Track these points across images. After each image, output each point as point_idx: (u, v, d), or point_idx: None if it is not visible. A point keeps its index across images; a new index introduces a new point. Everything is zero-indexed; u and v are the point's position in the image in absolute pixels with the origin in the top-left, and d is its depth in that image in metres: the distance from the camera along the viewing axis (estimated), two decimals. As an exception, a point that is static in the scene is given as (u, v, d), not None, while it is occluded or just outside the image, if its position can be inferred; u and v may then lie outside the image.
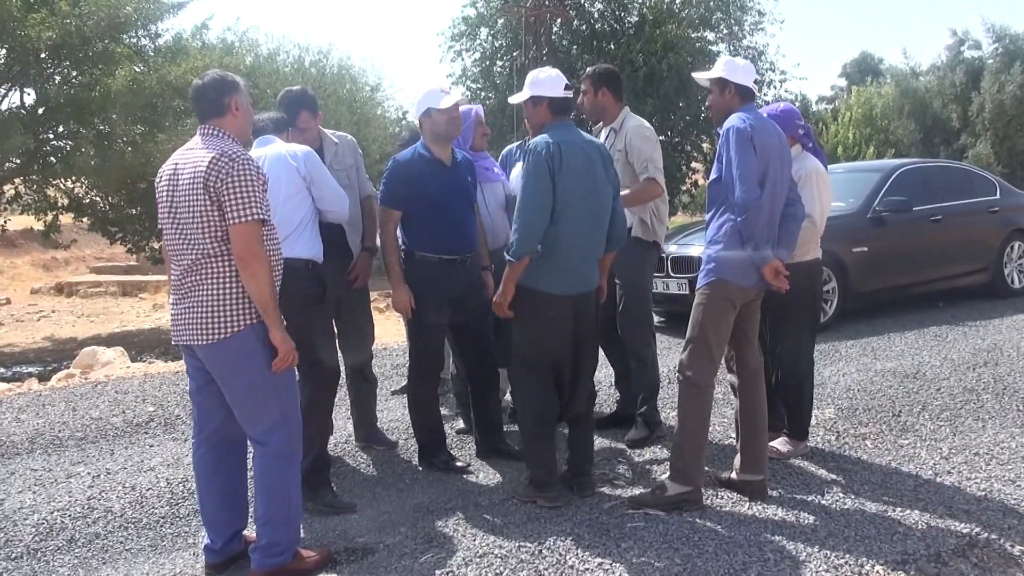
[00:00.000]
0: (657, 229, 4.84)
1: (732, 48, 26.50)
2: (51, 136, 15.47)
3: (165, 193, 3.30)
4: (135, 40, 16.02)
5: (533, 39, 24.36)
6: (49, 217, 16.35)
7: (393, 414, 5.55)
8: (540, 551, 3.43)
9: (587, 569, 3.27)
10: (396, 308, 4.44)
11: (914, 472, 4.18)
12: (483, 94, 25.27)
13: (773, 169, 3.78)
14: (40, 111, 14.85)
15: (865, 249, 7.89)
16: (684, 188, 27.10)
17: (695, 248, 7.31)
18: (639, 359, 4.88)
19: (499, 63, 26.43)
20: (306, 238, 4.03)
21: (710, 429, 4.00)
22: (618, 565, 3.28)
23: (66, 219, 17.14)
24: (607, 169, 3.98)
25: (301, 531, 3.68)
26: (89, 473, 4.81)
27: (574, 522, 3.71)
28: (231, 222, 3.15)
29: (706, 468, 4.05)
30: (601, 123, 4.98)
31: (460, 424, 5.16)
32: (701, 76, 4.05)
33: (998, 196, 9.23)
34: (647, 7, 26.35)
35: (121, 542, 3.94)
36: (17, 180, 15.60)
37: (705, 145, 26.38)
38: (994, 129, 25.18)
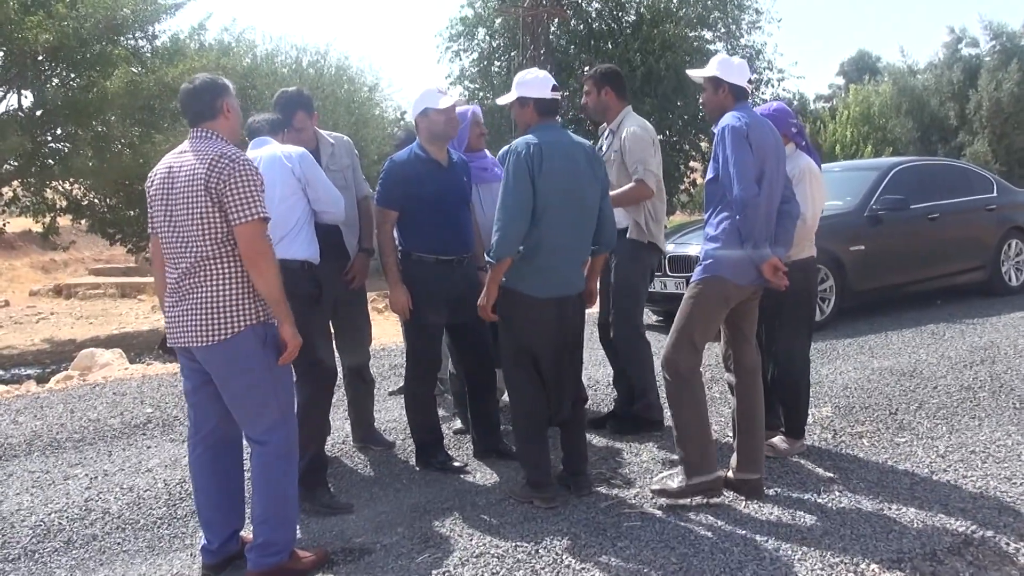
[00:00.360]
0: (653, 230, 4.85)
1: (729, 47, 26.55)
2: (49, 138, 15.47)
3: (159, 196, 3.30)
4: (132, 42, 16.04)
5: (531, 39, 24.39)
6: (47, 219, 16.35)
7: (391, 414, 5.55)
8: (537, 551, 3.43)
9: (583, 568, 3.27)
10: (394, 309, 4.45)
11: (910, 470, 4.18)
12: (481, 94, 25.31)
13: (769, 167, 3.79)
14: (38, 113, 14.86)
15: (862, 247, 7.89)
16: (682, 187, 27.13)
17: (693, 247, 7.31)
18: (627, 358, 4.92)
19: (497, 63, 26.47)
20: (302, 239, 4.04)
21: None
22: (614, 564, 3.29)
23: (64, 221, 17.15)
24: (593, 170, 3.95)
25: (298, 531, 3.70)
26: (87, 475, 4.81)
27: (571, 522, 3.71)
28: (236, 222, 3.16)
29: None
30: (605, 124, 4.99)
31: (457, 424, 5.17)
32: (696, 73, 4.06)
33: (995, 194, 9.22)
34: (644, 6, 26.40)
35: (118, 543, 3.94)
36: (15, 182, 15.61)
37: (703, 144, 26.42)
38: (991, 127, 25.21)
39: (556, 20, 25.72)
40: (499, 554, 3.42)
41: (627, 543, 3.46)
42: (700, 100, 4.07)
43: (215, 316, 3.21)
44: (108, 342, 11.01)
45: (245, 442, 3.48)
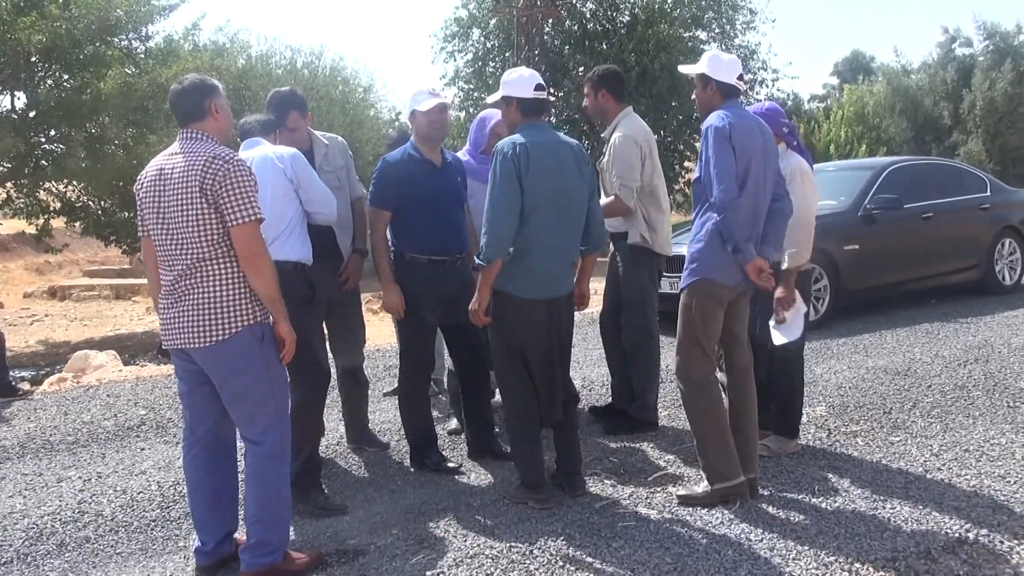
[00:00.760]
0: (648, 236, 4.82)
1: (724, 47, 26.57)
2: (42, 139, 15.41)
3: (150, 198, 3.29)
4: (126, 43, 15.99)
5: (525, 39, 24.37)
6: (41, 221, 16.30)
7: (385, 415, 5.54)
8: (531, 551, 3.43)
9: (578, 569, 3.27)
10: (387, 309, 4.44)
11: (904, 469, 4.19)
12: (476, 94, 25.29)
13: (756, 166, 3.76)
14: (31, 114, 14.80)
15: (856, 247, 7.90)
16: (677, 188, 27.13)
17: (685, 247, 7.30)
18: (632, 358, 4.95)
19: (491, 64, 26.46)
20: (294, 240, 4.03)
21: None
22: (609, 564, 3.29)
23: (59, 223, 17.09)
24: (581, 170, 3.92)
25: (292, 532, 3.69)
26: (80, 477, 4.80)
27: (565, 522, 3.71)
28: (232, 223, 3.16)
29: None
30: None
31: (451, 425, 5.16)
32: (686, 69, 4.05)
33: (989, 193, 9.24)
34: (639, 7, 26.40)
35: (112, 546, 3.93)
36: (8, 184, 15.55)
37: (698, 144, 26.42)
38: (985, 126, 25.25)
39: (551, 21, 25.70)
40: (493, 555, 3.42)
41: (622, 543, 3.46)
42: (692, 96, 4.04)
43: (213, 317, 3.20)
44: (102, 344, 10.97)
45: (239, 443, 3.47)
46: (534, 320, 3.88)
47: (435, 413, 5.01)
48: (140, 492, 4.46)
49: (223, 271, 3.22)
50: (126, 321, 17.21)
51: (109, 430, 5.77)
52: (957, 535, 3.42)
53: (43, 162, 15.07)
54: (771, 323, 4.22)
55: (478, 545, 3.53)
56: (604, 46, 25.61)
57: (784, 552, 3.32)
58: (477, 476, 4.45)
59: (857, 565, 3.19)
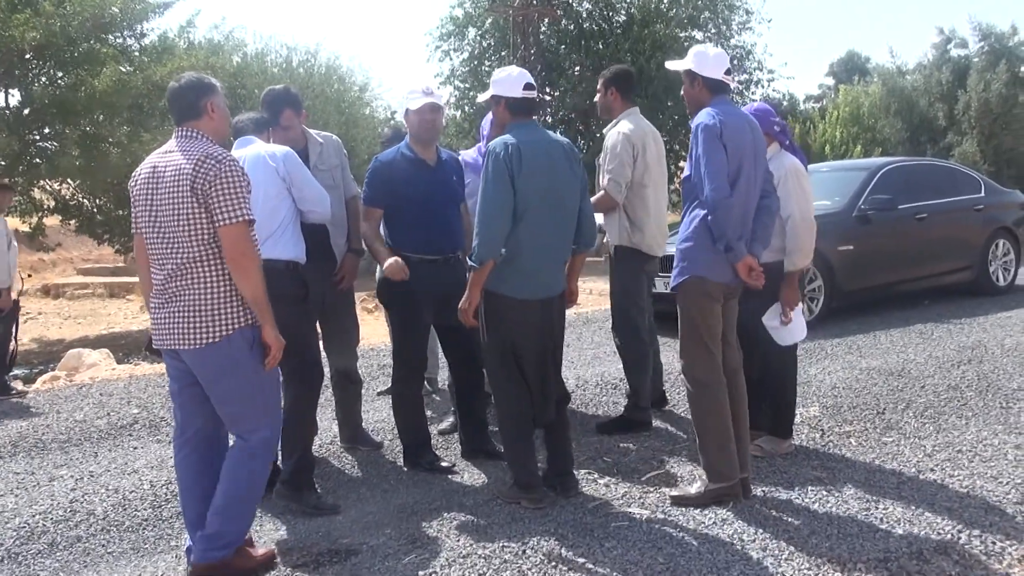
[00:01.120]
0: (632, 236, 4.84)
1: (719, 47, 26.54)
2: (36, 137, 15.37)
3: (143, 196, 3.28)
4: (121, 40, 15.95)
5: (521, 39, 24.35)
6: (35, 219, 16.26)
7: (379, 415, 5.53)
8: (524, 551, 3.42)
9: (570, 569, 3.26)
10: (391, 276, 4.29)
11: (897, 470, 4.19)
12: (471, 94, 25.26)
13: (747, 164, 3.76)
14: (25, 112, 14.76)
15: (851, 247, 7.91)
16: (672, 187, 27.14)
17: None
18: (623, 359, 4.99)
19: (487, 63, 26.41)
20: (287, 239, 4.02)
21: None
22: (602, 565, 3.28)
23: (53, 221, 17.05)
24: (572, 169, 3.92)
25: (284, 532, 3.68)
26: (72, 476, 4.78)
27: (558, 522, 3.70)
28: (221, 223, 3.14)
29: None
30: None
31: (443, 425, 5.15)
32: (673, 65, 4.03)
33: (983, 194, 9.26)
34: (635, 7, 26.40)
35: (103, 545, 3.92)
36: (2, 181, 15.50)
37: (696, 144, 26.39)
38: (980, 127, 25.31)
39: (547, 20, 25.68)
40: (486, 555, 3.41)
41: (614, 544, 3.45)
42: (681, 92, 4.00)
43: (203, 319, 3.19)
44: (97, 342, 10.95)
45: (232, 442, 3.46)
46: (528, 320, 3.87)
47: (428, 413, 5.00)
48: (132, 491, 4.45)
49: (214, 272, 3.20)
50: (120, 319, 17.18)
51: (102, 429, 5.75)
52: (949, 536, 3.42)
53: (37, 160, 15.03)
54: (773, 324, 4.21)
55: (471, 545, 3.53)
56: (600, 46, 25.62)
57: (777, 552, 3.32)
58: (470, 476, 4.45)
59: (849, 566, 3.19)
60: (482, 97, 4.17)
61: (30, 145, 15.13)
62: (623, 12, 26.81)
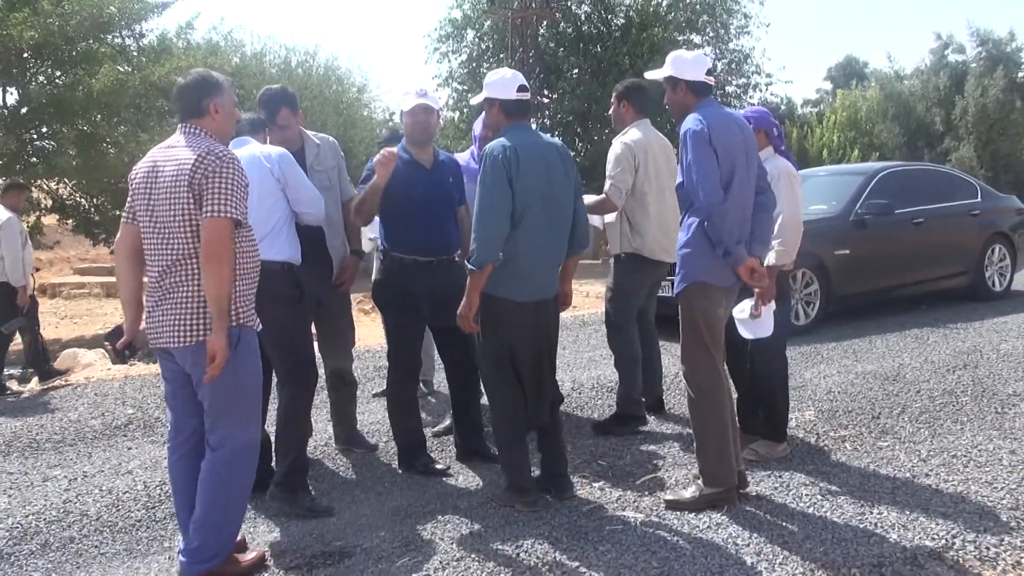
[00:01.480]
0: (633, 241, 4.96)
1: (718, 51, 26.62)
2: (34, 136, 15.38)
3: (142, 190, 3.27)
4: (119, 40, 15.96)
5: (519, 41, 24.37)
6: (32, 218, 16.24)
7: (374, 416, 5.52)
8: (518, 554, 3.42)
9: (564, 572, 3.26)
10: (387, 162, 4.21)
11: (892, 474, 4.19)
12: (469, 96, 25.26)
13: (740, 165, 3.74)
14: (22, 111, 14.76)
15: (847, 252, 7.91)
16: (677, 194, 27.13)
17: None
18: (615, 358, 5.10)
19: (485, 65, 26.40)
20: (282, 240, 4.02)
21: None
22: (596, 568, 3.28)
23: (50, 220, 17.03)
24: (567, 171, 3.93)
25: (277, 534, 3.67)
26: (66, 476, 4.77)
27: (552, 526, 3.70)
28: (206, 215, 3.11)
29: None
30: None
31: (438, 427, 5.14)
32: (652, 75, 4.02)
33: (979, 199, 9.28)
34: (633, 10, 26.44)
35: (96, 546, 3.90)
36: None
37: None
38: (977, 133, 25.39)
39: (545, 23, 25.71)
40: (480, 558, 3.41)
41: (608, 547, 3.45)
42: (664, 100, 3.98)
43: (195, 316, 3.18)
44: (92, 342, 10.91)
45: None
46: (524, 323, 3.87)
47: (424, 415, 4.99)
48: (126, 492, 4.43)
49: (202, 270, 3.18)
50: (117, 319, 17.12)
51: (96, 429, 5.74)
52: (944, 541, 3.41)
53: (34, 159, 15.03)
54: (741, 317, 4.18)
55: (465, 548, 3.52)
56: (599, 49, 25.64)
57: (771, 557, 3.32)
58: (465, 478, 4.44)
59: (843, 570, 3.19)
60: (476, 99, 4.16)
61: (27, 144, 15.13)
62: (622, 15, 26.84)
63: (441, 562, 3.40)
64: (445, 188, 4.44)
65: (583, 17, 26.97)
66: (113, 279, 22.10)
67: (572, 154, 4.10)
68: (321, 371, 4.62)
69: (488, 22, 26.02)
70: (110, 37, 15.44)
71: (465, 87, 26.50)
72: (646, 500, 3.97)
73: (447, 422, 5.09)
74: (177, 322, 3.19)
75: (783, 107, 32.03)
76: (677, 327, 3.93)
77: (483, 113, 4.92)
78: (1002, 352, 6.53)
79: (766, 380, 4.41)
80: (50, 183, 15.87)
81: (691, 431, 3.96)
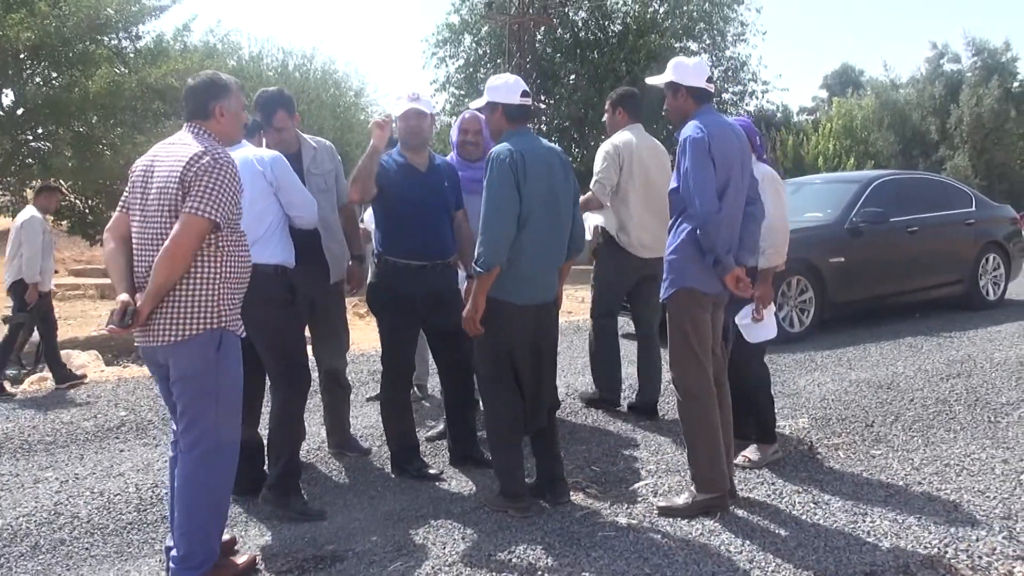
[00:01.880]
0: (621, 238, 5.18)
1: (714, 58, 26.69)
2: (29, 137, 15.36)
3: (139, 183, 3.26)
4: (116, 42, 15.96)
5: (517, 47, 24.40)
6: (26, 219, 16.21)
7: (367, 420, 5.51)
8: (510, 560, 3.41)
9: (556, 578, 3.25)
10: (382, 127, 4.25)
11: (885, 483, 4.19)
12: (466, 101, 25.29)
13: (735, 175, 3.77)
14: (18, 112, 14.75)
15: (842, 259, 7.93)
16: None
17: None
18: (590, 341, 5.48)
19: (482, 70, 26.48)
20: (275, 243, 4.01)
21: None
22: (588, 574, 3.27)
23: (45, 221, 16.99)
24: (567, 175, 3.96)
25: (268, 537, 3.65)
26: (57, 478, 4.75)
27: (545, 531, 3.69)
28: (185, 210, 3.10)
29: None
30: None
31: (432, 431, 5.13)
32: (653, 80, 4.04)
33: (974, 208, 9.31)
34: (631, 17, 26.51)
35: (86, 548, 3.88)
36: (-6, 181, 15.49)
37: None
38: (972, 142, 25.50)
39: (542, 28, 25.77)
40: (472, 563, 3.40)
41: (601, 553, 3.44)
42: (664, 106, 4.01)
43: (178, 314, 3.15)
44: (86, 344, 10.87)
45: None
46: (525, 326, 3.87)
47: (417, 420, 4.98)
48: (117, 494, 4.41)
49: (192, 267, 3.17)
50: (111, 321, 17.07)
51: (88, 431, 5.71)
52: (936, 550, 3.41)
53: (30, 160, 15.00)
54: (743, 322, 4.22)
55: (457, 553, 3.51)
56: (595, 55, 25.70)
57: (763, 564, 3.31)
58: (458, 483, 4.43)
59: (836, 578, 3.19)
60: (476, 103, 4.16)
61: (23, 145, 15.12)
62: (619, 22, 26.91)
63: (433, 567, 3.39)
64: (440, 192, 4.43)
65: (580, 23, 27.04)
66: (107, 281, 22.05)
67: (568, 159, 4.12)
68: (315, 374, 4.61)
69: (485, 27, 26.08)
70: (107, 39, 15.44)
71: (462, 92, 26.56)
72: (639, 506, 3.96)
73: (441, 426, 5.07)
74: (159, 320, 3.16)
75: (779, 115, 32.14)
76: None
77: (459, 118, 4.96)
78: (996, 361, 6.54)
79: (746, 381, 4.40)
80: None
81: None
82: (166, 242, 3.11)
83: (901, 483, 4.18)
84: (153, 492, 4.39)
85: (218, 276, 3.21)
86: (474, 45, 27.06)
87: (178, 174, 3.13)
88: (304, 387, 4.23)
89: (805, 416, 5.30)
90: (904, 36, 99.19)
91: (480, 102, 4.06)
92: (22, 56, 14.05)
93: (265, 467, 4.23)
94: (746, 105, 27.33)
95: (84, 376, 7.79)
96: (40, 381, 7.94)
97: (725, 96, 27.07)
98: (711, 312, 3.88)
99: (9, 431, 5.71)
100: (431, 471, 4.53)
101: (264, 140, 4.46)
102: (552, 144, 4.04)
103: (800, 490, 4.10)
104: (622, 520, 3.80)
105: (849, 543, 3.49)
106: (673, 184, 3.83)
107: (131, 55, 15.94)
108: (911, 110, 27.62)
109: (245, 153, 4.05)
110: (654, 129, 26.52)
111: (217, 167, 3.14)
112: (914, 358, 6.84)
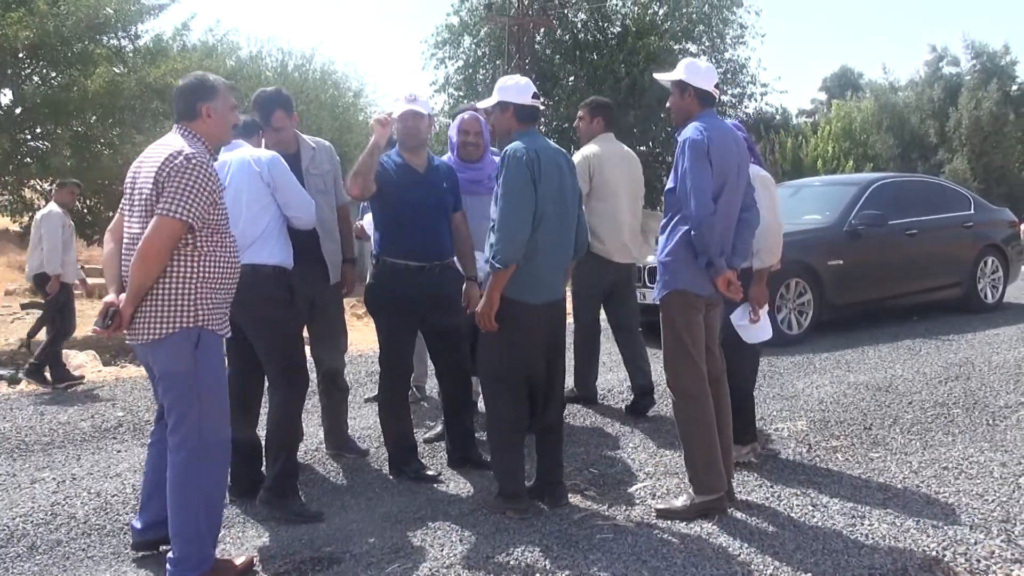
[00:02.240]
0: (594, 244, 5.18)
1: (713, 60, 26.74)
2: (28, 137, 15.35)
3: (131, 184, 3.30)
4: (115, 41, 15.96)
5: (516, 48, 24.43)
6: (26, 219, 16.21)
7: (365, 421, 5.50)
8: (508, 562, 3.40)
9: (554, 581, 3.25)
10: (382, 123, 4.24)
11: (884, 485, 4.18)
12: (465, 102, 25.32)
13: (731, 179, 3.78)
14: (17, 111, 14.74)
15: (841, 262, 7.94)
16: (663, 199, 27.22)
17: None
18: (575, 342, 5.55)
19: (482, 71, 26.52)
20: (272, 244, 4.00)
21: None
22: (585, 577, 3.27)
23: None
24: (572, 178, 3.99)
25: (267, 539, 3.64)
26: (54, 478, 4.74)
27: (543, 533, 3.68)
28: (158, 211, 3.10)
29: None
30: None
31: (430, 433, 5.13)
32: (662, 77, 4.05)
33: (972, 211, 9.32)
34: (630, 19, 26.55)
35: (83, 549, 3.87)
36: (-7, 180, 15.48)
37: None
38: (971, 145, 25.53)
39: (542, 30, 25.79)
40: (470, 565, 3.39)
41: (599, 555, 3.44)
42: (668, 103, 4.02)
43: (158, 312, 3.16)
44: (83, 344, 10.86)
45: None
46: (536, 326, 3.88)
47: (415, 421, 4.97)
48: (114, 495, 4.40)
49: (171, 267, 3.17)
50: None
51: (85, 431, 5.70)
52: (934, 553, 3.41)
53: (28, 159, 15.00)
54: (741, 323, 4.23)
55: (455, 555, 3.51)
56: (595, 56, 25.74)
57: (762, 567, 3.31)
58: (456, 485, 4.42)
59: (834, 581, 3.19)
60: (485, 103, 4.17)
61: (21, 144, 15.11)
62: (618, 24, 26.95)
63: (431, 569, 3.38)
64: (439, 193, 4.42)
65: (580, 25, 27.08)
66: (103, 281, 22.06)
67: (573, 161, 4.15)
68: (312, 375, 4.61)
69: (485, 29, 26.11)
70: (106, 38, 15.45)
71: (461, 93, 26.57)
72: (637, 508, 3.96)
73: (439, 428, 5.06)
74: (140, 318, 3.17)
75: (778, 117, 32.16)
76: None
77: (458, 119, 4.93)
78: (994, 364, 6.54)
79: (732, 382, 4.39)
80: (44, 184, 15.84)
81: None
82: (139, 243, 3.13)
83: (899, 486, 4.18)
84: (150, 493, 4.38)
85: (195, 276, 3.20)
86: (474, 46, 27.10)
87: (153, 174, 3.14)
88: (303, 388, 4.22)
89: (803, 418, 5.30)
90: (903, 39, 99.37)
91: (490, 102, 4.06)
92: (21, 55, 14.06)
93: (263, 468, 4.22)
94: (745, 107, 27.38)
95: (82, 377, 7.79)
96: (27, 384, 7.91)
97: (724, 98, 27.10)
98: (705, 312, 3.89)
99: (6, 431, 5.70)
100: (429, 472, 4.52)
101: (263, 140, 4.45)
102: (557, 146, 4.05)
103: (798, 492, 4.10)
104: (621, 522, 3.80)
105: (847, 546, 3.49)
106: (670, 184, 3.84)
107: (130, 54, 15.94)
108: (910, 113, 27.63)
109: (242, 153, 4.05)
110: (653, 131, 26.50)
111: (189, 167, 3.14)
112: (912, 361, 6.84)
